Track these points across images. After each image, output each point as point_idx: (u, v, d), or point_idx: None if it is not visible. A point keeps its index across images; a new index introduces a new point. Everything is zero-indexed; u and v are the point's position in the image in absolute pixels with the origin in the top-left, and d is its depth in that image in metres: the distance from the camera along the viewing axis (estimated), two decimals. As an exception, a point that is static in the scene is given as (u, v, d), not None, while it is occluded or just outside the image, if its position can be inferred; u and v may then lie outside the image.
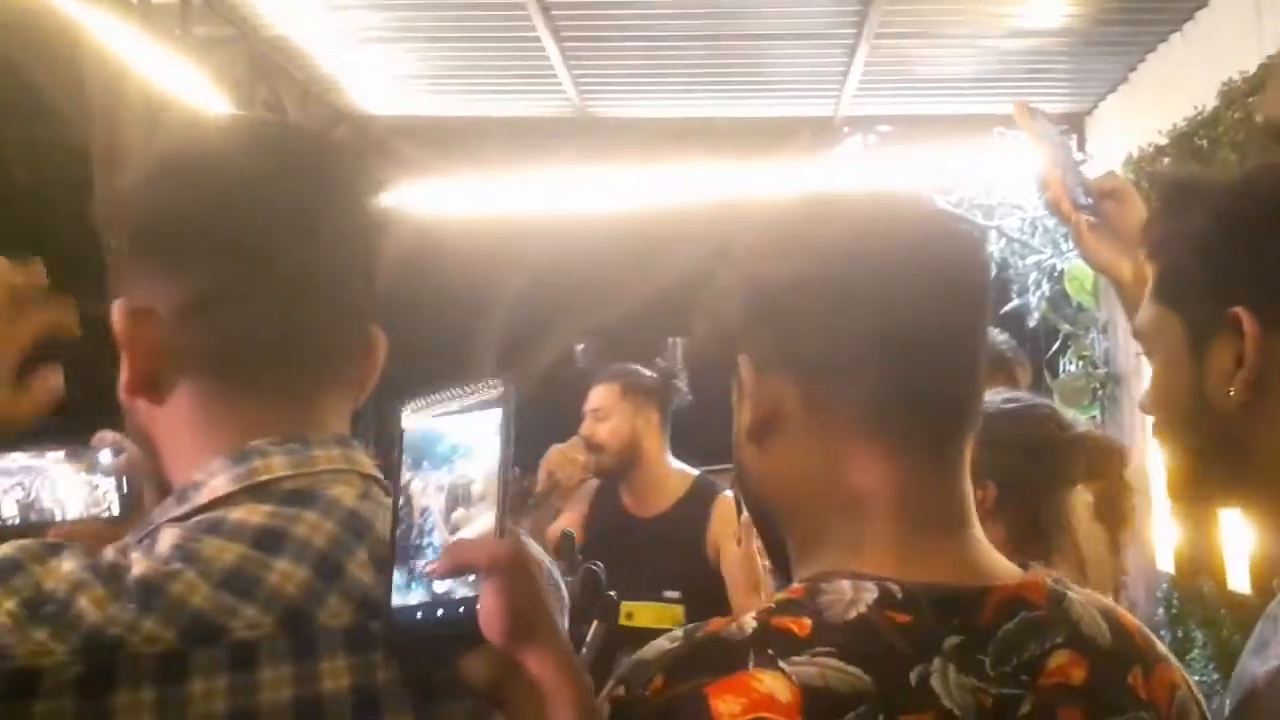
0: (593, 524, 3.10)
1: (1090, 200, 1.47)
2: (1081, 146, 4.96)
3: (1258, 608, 3.19)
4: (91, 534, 0.99)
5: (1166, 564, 3.84)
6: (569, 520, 3.09)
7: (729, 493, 3.12)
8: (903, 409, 0.81)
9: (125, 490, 1.22)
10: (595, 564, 2.34)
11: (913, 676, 0.74)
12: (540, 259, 9.40)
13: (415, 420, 0.84)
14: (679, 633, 0.80)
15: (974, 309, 0.85)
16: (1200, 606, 3.57)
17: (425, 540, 0.78)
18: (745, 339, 0.85)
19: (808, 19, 4.08)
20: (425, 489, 0.79)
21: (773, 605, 0.79)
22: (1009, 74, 4.57)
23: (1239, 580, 3.40)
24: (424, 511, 0.79)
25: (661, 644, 0.79)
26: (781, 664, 0.73)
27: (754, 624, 0.76)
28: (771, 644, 0.74)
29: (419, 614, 0.75)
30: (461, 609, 0.72)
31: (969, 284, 0.85)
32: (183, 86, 3.86)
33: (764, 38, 4.26)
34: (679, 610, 2.98)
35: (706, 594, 2.94)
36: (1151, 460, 4.12)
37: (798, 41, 4.30)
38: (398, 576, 0.77)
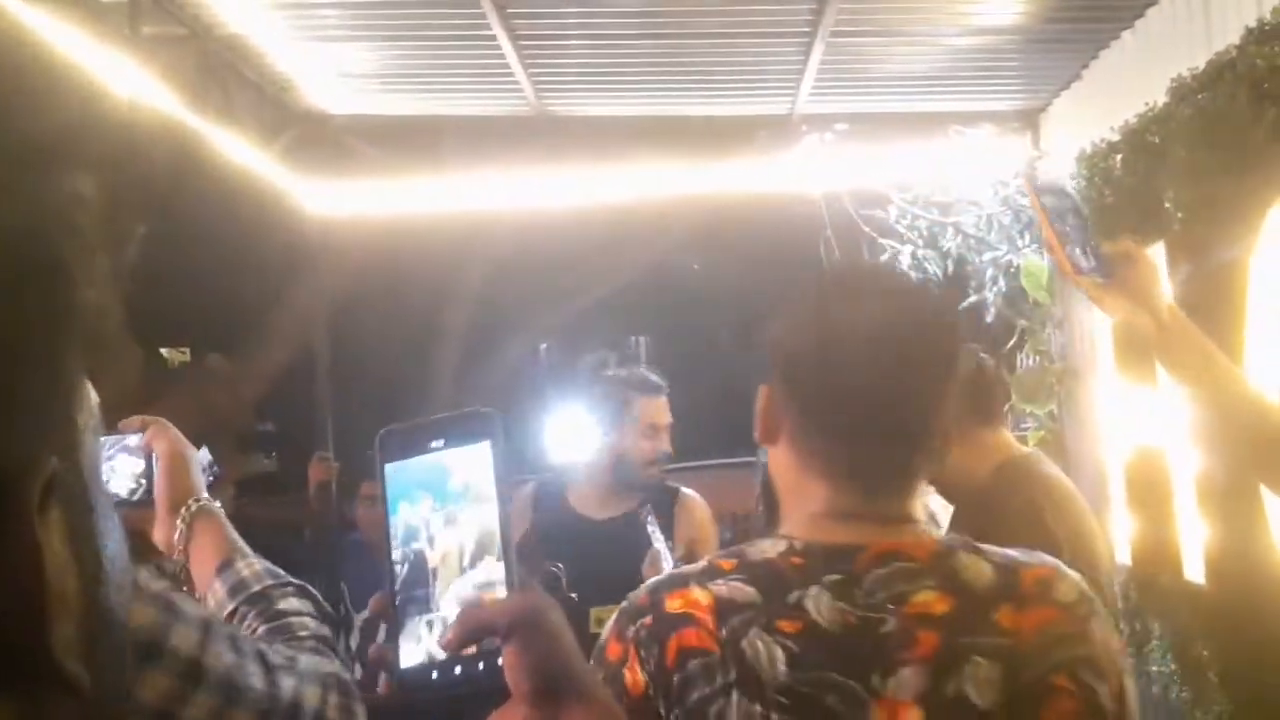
0: (542, 528, 2.98)
1: (1094, 262, 1.56)
2: (1035, 144, 5.00)
3: (1213, 598, 3.25)
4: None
5: (1124, 556, 3.87)
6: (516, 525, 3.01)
7: (692, 492, 3.11)
8: (845, 453, 1.20)
9: (151, 473, 1.27)
10: (557, 565, 2.33)
11: (791, 597, 1.12)
12: (499, 258, 9.38)
13: (398, 457, 0.79)
14: (670, 571, 1.25)
15: (943, 379, 1.20)
16: (1157, 598, 3.60)
17: (427, 591, 0.74)
18: (774, 371, 1.24)
19: (763, 17, 4.08)
20: (418, 533, 0.76)
21: (718, 554, 1.22)
22: (963, 71, 4.59)
23: (1194, 572, 3.43)
24: (419, 557, 0.75)
25: (650, 581, 1.22)
26: (709, 584, 1.16)
27: (705, 562, 1.21)
28: (707, 573, 1.18)
29: (434, 674, 0.71)
30: (481, 665, 0.69)
31: (932, 359, 1.20)
32: (131, 86, 3.81)
33: (720, 36, 4.26)
34: None
35: None
36: (1110, 455, 4.16)
37: (754, 39, 4.29)
38: (404, 634, 0.73)
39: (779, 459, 1.25)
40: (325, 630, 1.21)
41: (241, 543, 1.29)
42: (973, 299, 5.08)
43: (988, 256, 5.04)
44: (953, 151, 5.02)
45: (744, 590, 1.13)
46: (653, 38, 4.30)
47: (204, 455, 1.40)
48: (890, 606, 1.10)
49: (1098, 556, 2.17)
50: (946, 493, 2.28)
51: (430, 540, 0.75)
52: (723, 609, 1.12)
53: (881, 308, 1.19)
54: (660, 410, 3.04)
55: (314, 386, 10.36)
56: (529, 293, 9.61)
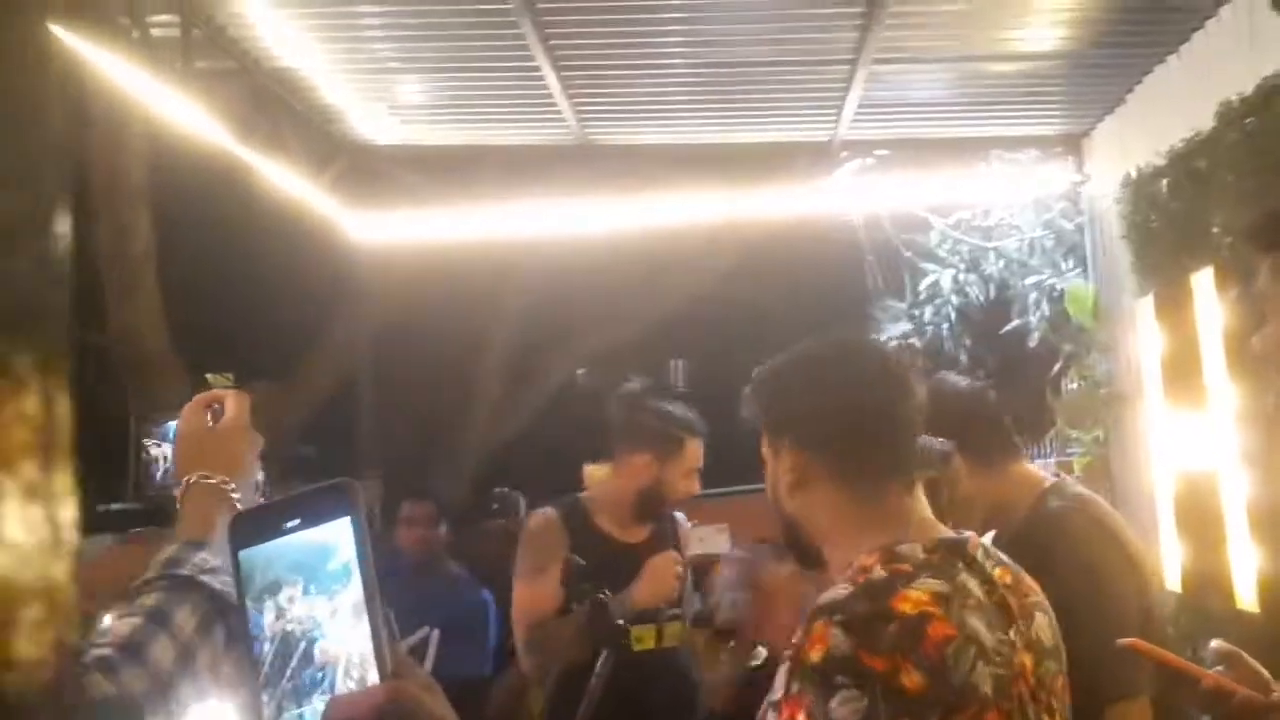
0: (579, 554, 2.93)
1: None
2: (1080, 168, 4.98)
3: (1264, 625, 3.19)
4: None
5: (1174, 583, 3.83)
6: (558, 563, 2.93)
7: (680, 515, 3.16)
8: (893, 470, 1.51)
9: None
10: (604, 593, 2.33)
11: (959, 580, 1.38)
12: (541, 285, 9.42)
13: (253, 542, 0.75)
14: (839, 589, 1.36)
15: (922, 411, 1.54)
16: (1208, 624, 3.56)
17: (294, 684, 0.71)
18: (785, 431, 1.55)
19: (806, 45, 4.11)
20: (281, 622, 0.72)
21: (880, 563, 1.39)
22: (1006, 96, 4.59)
23: (1246, 598, 3.39)
24: (284, 647, 0.72)
25: (837, 592, 1.35)
26: (915, 584, 1.34)
27: (883, 572, 1.37)
28: (900, 579, 1.35)
29: None
30: None
31: (921, 398, 1.54)
32: (184, 119, 3.89)
33: (762, 64, 4.29)
34: (679, 626, 2.97)
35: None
36: (1159, 480, 4.12)
37: (795, 67, 4.32)
38: None
39: (820, 500, 1.51)
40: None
41: (215, 534, 1.24)
42: (1015, 323, 5.06)
43: (1030, 281, 5.02)
44: (995, 176, 5.01)
45: (940, 584, 1.35)
46: (694, 66, 4.33)
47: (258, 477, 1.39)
48: (991, 581, 1.43)
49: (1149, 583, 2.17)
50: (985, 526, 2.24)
51: (293, 629, 0.72)
52: (940, 600, 1.33)
53: (896, 366, 1.55)
54: (700, 454, 3.08)
55: (357, 412, 10.45)
56: (569, 319, 9.65)
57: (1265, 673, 1.52)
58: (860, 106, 4.58)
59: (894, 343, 5.08)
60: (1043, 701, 1.39)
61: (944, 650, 1.28)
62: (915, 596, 1.32)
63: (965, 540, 1.46)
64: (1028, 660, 1.39)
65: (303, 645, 0.71)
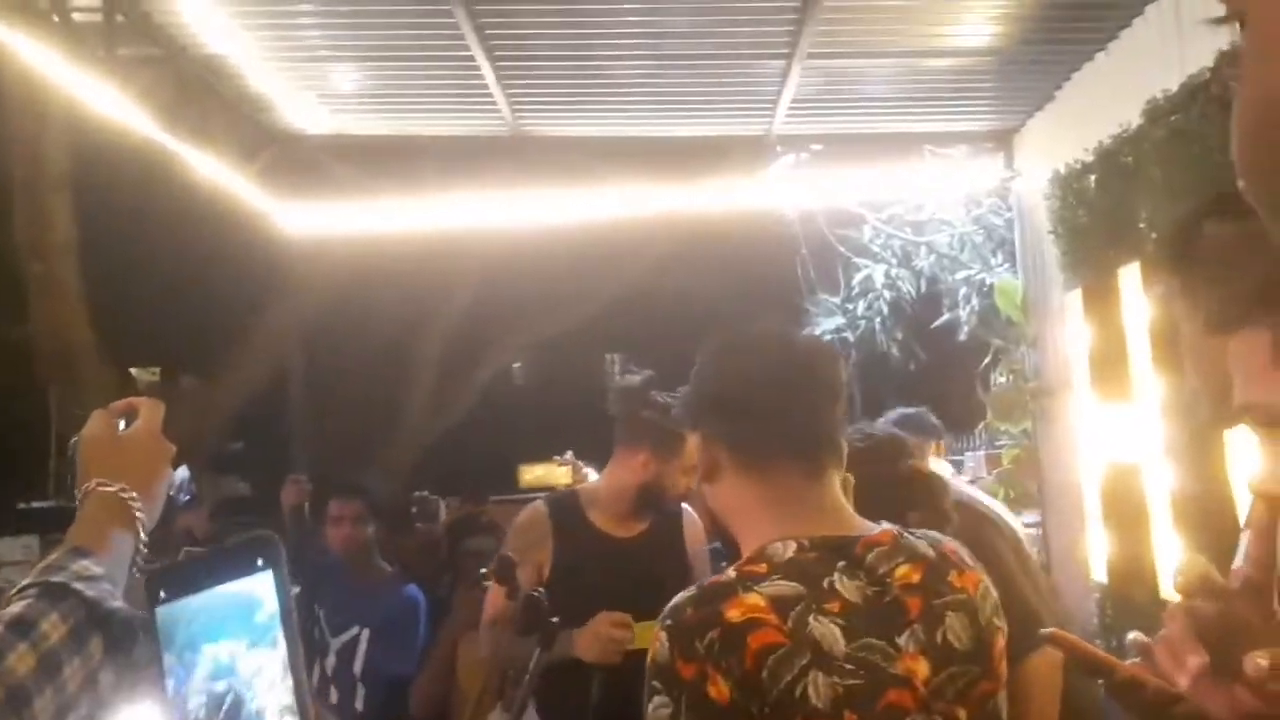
0: (569, 549, 2.92)
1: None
2: (1010, 164, 5.05)
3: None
4: None
5: (1100, 574, 3.90)
6: (538, 558, 2.88)
7: (689, 508, 3.11)
8: (792, 457, 1.47)
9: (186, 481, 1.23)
10: (537, 590, 2.31)
11: (825, 583, 1.35)
12: (475, 278, 9.36)
13: (173, 598, 0.73)
14: (687, 591, 1.36)
15: (834, 398, 1.51)
16: (1133, 614, 3.62)
17: None
18: (699, 423, 1.55)
19: (741, 39, 4.11)
20: (204, 677, 0.71)
21: (740, 563, 1.39)
22: (938, 93, 4.64)
23: (1170, 588, 3.45)
24: (210, 700, 0.70)
25: (680, 597, 1.34)
26: (755, 589, 1.32)
27: (734, 573, 1.37)
28: (746, 580, 1.34)
29: None
30: None
31: (833, 384, 1.51)
32: (108, 107, 3.79)
33: (697, 57, 4.28)
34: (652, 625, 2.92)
35: None
36: (1085, 472, 4.18)
37: (731, 61, 4.32)
38: None
39: (727, 490, 1.50)
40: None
41: (106, 543, 1.20)
42: (946, 317, 5.12)
43: (960, 275, 5.08)
44: (926, 172, 5.06)
45: (790, 586, 1.33)
46: (629, 59, 4.32)
47: (182, 473, 1.37)
48: (886, 582, 1.38)
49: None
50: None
51: (217, 684, 0.70)
52: (780, 605, 1.30)
53: (801, 353, 1.53)
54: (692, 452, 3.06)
55: (287, 407, 10.30)
56: (504, 312, 9.60)
57: None
58: (795, 101, 4.60)
59: (826, 336, 5.12)
60: (937, 711, 1.34)
61: (763, 660, 1.26)
62: (749, 602, 1.30)
63: (856, 539, 1.42)
64: (920, 667, 1.34)
65: (229, 700, 0.70)
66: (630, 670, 2.32)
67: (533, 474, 7.51)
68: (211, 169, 4.49)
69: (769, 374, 1.50)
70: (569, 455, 5.93)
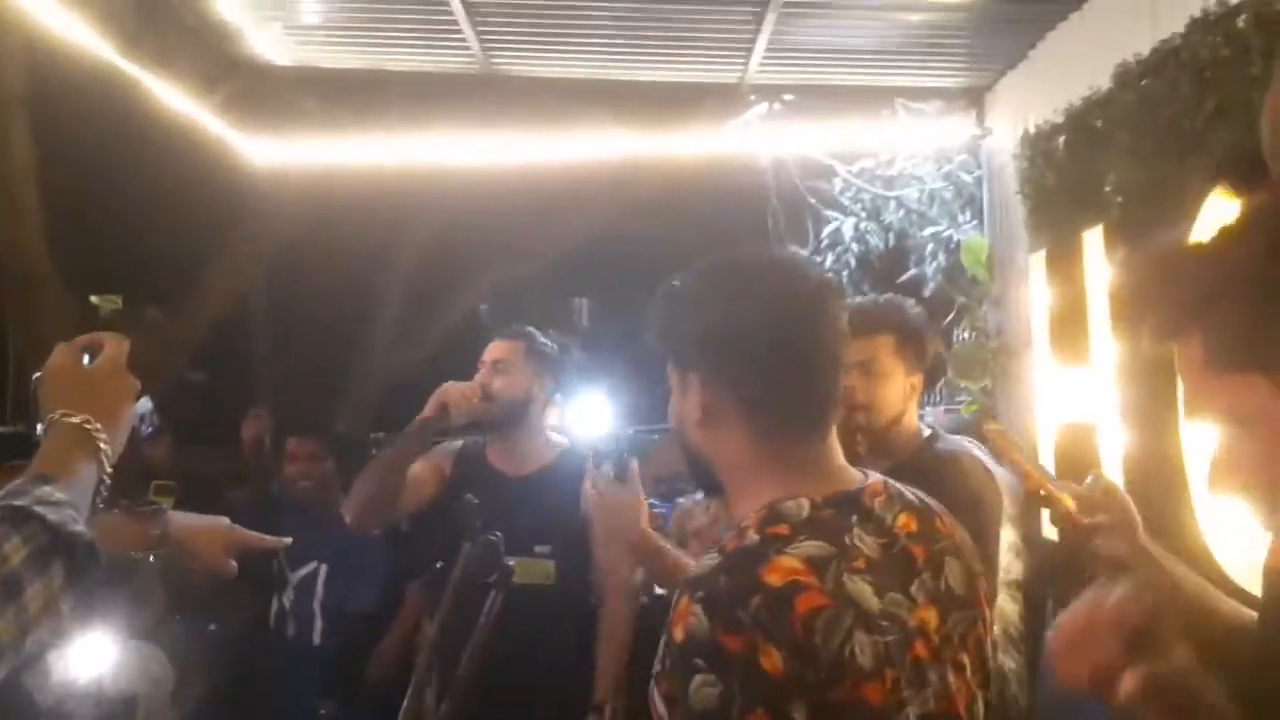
0: (459, 480, 3.12)
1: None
2: (981, 122, 5.04)
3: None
4: None
5: (1050, 532, 3.95)
6: (428, 465, 3.14)
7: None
8: (803, 408, 1.38)
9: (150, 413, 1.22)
10: (495, 534, 2.31)
11: (847, 540, 1.29)
12: (442, 217, 9.27)
13: None
14: (707, 558, 1.29)
15: (844, 343, 1.40)
16: (1081, 572, 3.68)
17: None
18: (696, 362, 1.40)
19: (716, -16, 4.06)
20: None
21: (754, 525, 1.30)
22: (912, 47, 4.61)
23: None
24: None
25: (705, 563, 1.27)
26: (787, 551, 1.24)
27: (756, 536, 1.28)
28: (775, 543, 1.26)
29: None
30: None
31: (843, 327, 1.40)
32: (65, 28, 3.70)
33: (672, 1, 4.23)
34: (550, 565, 3.01)
35: (575, 550, 3.07)
36: (1041, 431, 4.21)
37: (706, 6, 4.28)
38: None
39: (726, 439, 1.39)
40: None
41: (70, 472, 1.22)
42: (912, 273, 5.13)
43: (928, 231, 5.08)
44: (898, 126, 5.05)
45: (819, 545, 1.26)
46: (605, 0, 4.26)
47: (145, 404, 1.37)
48: (892, 532, 1.34)
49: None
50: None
51: None
52: (816, 566, 1.24)
53: (816, 288, 1.40)
54: (498, 349, 3.26)
55: (250, 341, 10.21)
56: (471, 252, 9.52)
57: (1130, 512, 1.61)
58: (768, 50, 4.56)
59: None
60: (947, 659, 1.30)
61: (813, 624, 1.19)
62: (786, 565, 1.23)
63: (861, 490, 1.36)
64: (931, 616, 1.30)
65: None
66: (522, 599, 2.34)
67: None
68: (173, 97, 4.41)
69: (787, 312, 1.36)
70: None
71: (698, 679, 1.17)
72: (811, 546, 1.25)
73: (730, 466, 1.40)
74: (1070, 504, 1.61)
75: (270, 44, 4.75)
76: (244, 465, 4.72)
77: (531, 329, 3.34)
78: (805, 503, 1.31)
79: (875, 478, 1.41)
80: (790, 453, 1.37)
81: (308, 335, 9.09)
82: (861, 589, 1.24)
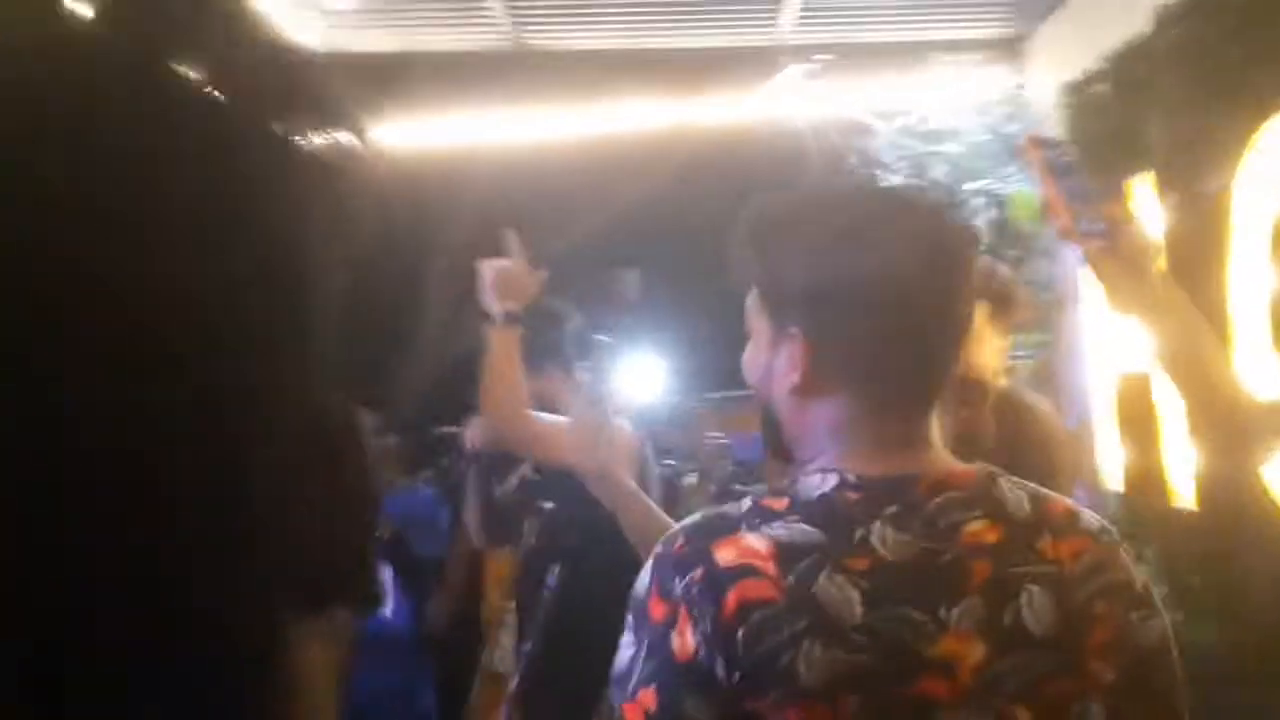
0: None
1: (1100, 226, 1.47)
2: (1020, 72, 4.95)
3: (1203, 523, 3.30)
4: None
5: (1115, 483, 3.90)
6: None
7: None
8: (912, 381, 1.16)
9: None
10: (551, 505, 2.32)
11: (857, 533, 1.07)
12: (479, 196, 9.26)
13: None
14: (697, 514, 1.15)
15: (971, 302, 1.18)
16: (1147, 523, 3.63)
17: None
18: (801, 317, 1.15)
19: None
20: None
21: (764, 494, 1.13)
22: (947, 0, 4.53)
23: (1185, 497, 3.46)
24: None
25: (685, 522, 1.13)
26: (763, 528, 1.08)
27: (749, 503, 1.12)
28: (758, 516, 1.09)
29: None
30: None
31: (971, 284, 1.18)
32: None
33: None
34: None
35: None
36: (1099, 382, 4.16)
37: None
38: None
39: (823, 409, 1.17)
40: None
41: None
42: (959, 229, 5.06)
43: (976, 185, 5.00)
44: (936, 80, 4.96)
45: (806, 531, 1.07)
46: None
47: None
48: (948, 537, 1.09)
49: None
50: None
51: None
52: (785, 554, 1.05)
53: (909, 230, 1.14)
54: None
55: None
56: (510, 229, 9.53)
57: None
58: (801, 10, 4.50)
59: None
60: (990, 707, 1.05)
61: (748, 617, 1.02)
62: (747, 544, 1.06)
63: (915, 477, 1.11)
64: (969, 650, 1.05)
65: None
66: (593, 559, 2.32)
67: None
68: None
69: (924, 265, 1.12)
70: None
71: (625, 636, 1.10)
72: (796, 530, 1.07)
73: (815, 440, 1.18)
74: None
75: (298, 30, 4.75)
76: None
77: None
78: (834, 478, 1.11)
79: (969, 468, 1.16)
80: (885, 430, 1.14)
81: (344, 320, 9.15)
82: (840, 594, 1.04)
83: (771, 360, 1.18)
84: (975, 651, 1.05)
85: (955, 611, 1.06)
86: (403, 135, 5.32)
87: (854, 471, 1.11)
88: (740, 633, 1.02)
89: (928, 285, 1.12)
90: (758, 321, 1.20)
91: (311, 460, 0.48)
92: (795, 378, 1.15)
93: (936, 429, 1.18)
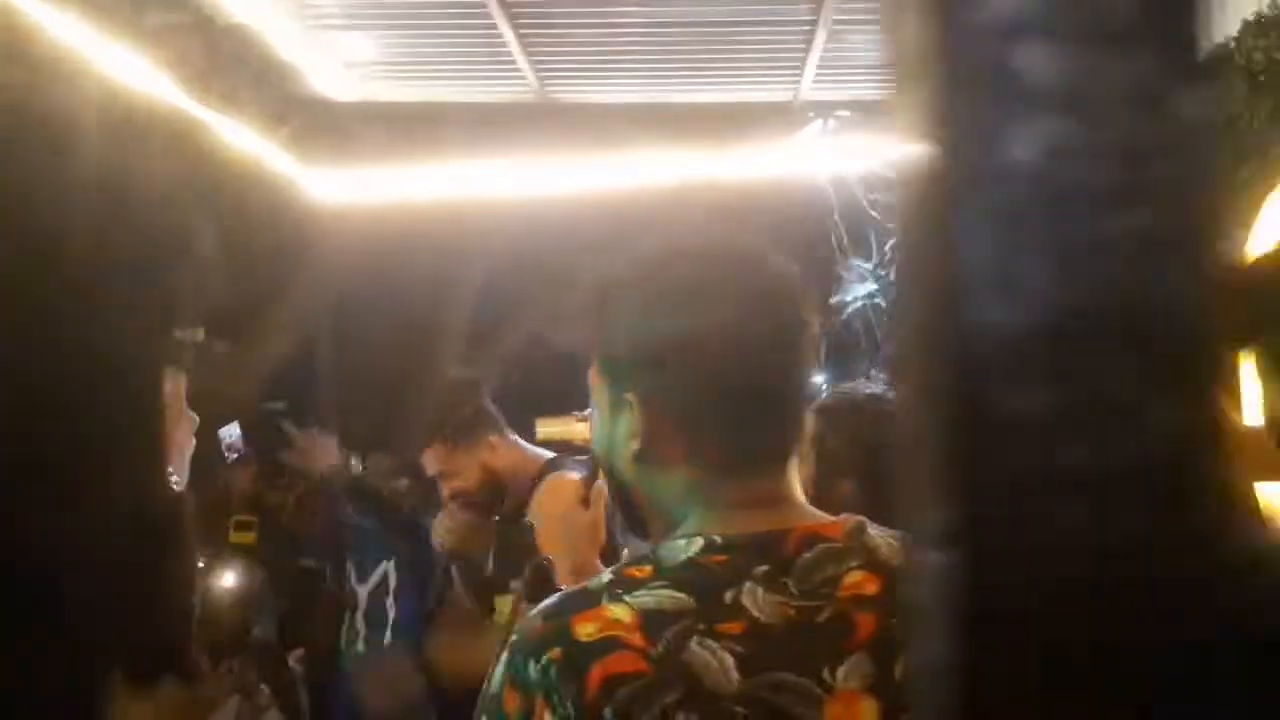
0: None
1: None
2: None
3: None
4: None
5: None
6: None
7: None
8: (760, 440, 1.09)
9: None
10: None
11: (727, 596, 0.99)
12: (502, 245, 9.35)
13: None
14: (555, 595, 1.08)
15: (813, 354, 1.14)
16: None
17: None
18: (636, 380, 1.09)
19: (766, 4, 4.08)
20: None
21: (624, 563, 1.07)
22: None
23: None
24: None
25: (546, 600, 1.06)
26: (626, 598, 0.99)
27: (609, 575, 1.04)
28: (620, 586, 1.01)
29: None
30: None
31: (805, 332, 1.11)
32: (137, 78, 3.81)
33: (723, 23, 4.26)
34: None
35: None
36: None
37: (757, 26, 4.30)
38: None
39: (665, 474, 1.11)
40: None
41: None
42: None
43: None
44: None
45: (674, 597, 0.99)
46: (655, 24, 4.30)
47: (233, 430, 1.41)
48: (825, 592, 1.01)
49: None
50: None
51: None
52: (651, 623, 0.98)
53: (736, 287, 1.09)
54: None
55: (316, 373, 10.37)
56: (532, 280, 9.60)
57: None
58: (821, 66, 4.57)
59: (858, 302, 5.10)
60: None
61: (614, 692, 0.95)
62: (610, 615, 0.99)
63: (784, 534, 1.05)
64: (863, 710, 0.99)
65: None
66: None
67: (550, 429, 7.49)
68: (241, 137, 4.52)
69: (759, 320, 1.08)
70: (590, 411, 6.01)
71: None
72: (663, 596, 1.00)
73: (662, 508, 1.12)
74: None
75: (330, 81, 4.85)
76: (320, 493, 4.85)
77: None
78: (700, 541, 1.03)
79: (839, 520, 1.09)
80: (741, 490, 1.08)
81: (374, 366, 9.22)
82: (714, 660, 0.97)
83: (612, 430, 1.13)
84: (866, 712, 0.98)
85: (841, 671, 0.99)
86: (429, 184, 5.41)
87: (718, 532, 1.04)
88: (606, 711, 0.94)
89: (760, 341, 1.07)
90: (597, 391, 1.15)
91: (135, 548, 0.51)
92: (635, 445, 1.09)
93: (797, 483, 1.11)
